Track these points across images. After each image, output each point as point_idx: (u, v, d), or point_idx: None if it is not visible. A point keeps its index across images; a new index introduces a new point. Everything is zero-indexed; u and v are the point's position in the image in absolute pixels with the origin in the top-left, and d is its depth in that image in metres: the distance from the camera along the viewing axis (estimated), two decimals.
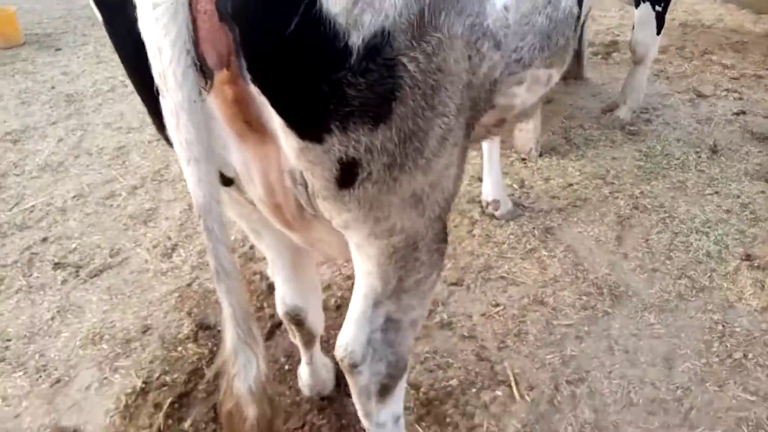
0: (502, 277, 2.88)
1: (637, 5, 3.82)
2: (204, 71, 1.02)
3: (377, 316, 1.53)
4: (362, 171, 1.17)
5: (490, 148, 3.15)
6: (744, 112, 4.35)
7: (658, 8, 3.74)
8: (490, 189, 3.22)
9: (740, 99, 4.59)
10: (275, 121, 1.11)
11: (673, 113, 4.37)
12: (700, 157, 3.81)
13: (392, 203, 1.27)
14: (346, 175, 1.17)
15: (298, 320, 1.94)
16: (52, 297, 2.90)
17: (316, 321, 2.00)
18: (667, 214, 3.25)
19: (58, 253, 3.21)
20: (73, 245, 3.28)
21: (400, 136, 1.14)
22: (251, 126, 1.15)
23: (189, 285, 2.94)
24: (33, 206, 3.62)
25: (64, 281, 3.00)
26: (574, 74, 5.05)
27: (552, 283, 2.83)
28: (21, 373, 2.47)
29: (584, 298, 2.74)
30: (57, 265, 3.11)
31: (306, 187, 1.24)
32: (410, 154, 1.19)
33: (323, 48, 0.98)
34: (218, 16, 0.97)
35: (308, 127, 1.10)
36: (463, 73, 1.23)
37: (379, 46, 1.02)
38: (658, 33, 3.86)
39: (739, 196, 3.41)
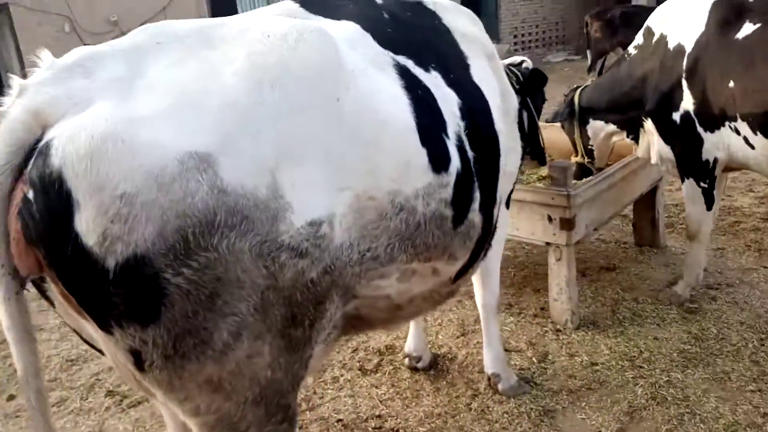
0: None
1: (682, 180, 3.70)
2: (17, 278, 1.39)
3: None
4: (147, 359, 1.42)
5: (486, 320, 3.15)
6: None
7: (703, 184, 3.58)
8: (489, 362, 3.18)
9: None
10: None
11: (748, 292, 3.95)
12: (763, 345, 3.38)
13: (187, 387, 1.48)
14: (137, 361, 1.44)
15: None
16: (91, 421, 3.38)
17: None
18: (688, 410, 2.90)
19: (115, 382, 3.74)
20: None
21: (172, 333, 1.39)
22: (83, 315, 1.48)
23: None
24: None
25: (107, 408, 3.48)
26: (649, 241, 4.83)
27: None
28: None
29: None
30: (109, 393, 3.63)
31: None
32: (191, 347, 1.42)
33: (89, 267, 1.31)
34: (25, 241, 1.35)
35: (98, 321, 1.40)
36: (259, 279, 1.45)
37: (135, 267, 1.31)
38: (709, 209, 3.66)
39: None
